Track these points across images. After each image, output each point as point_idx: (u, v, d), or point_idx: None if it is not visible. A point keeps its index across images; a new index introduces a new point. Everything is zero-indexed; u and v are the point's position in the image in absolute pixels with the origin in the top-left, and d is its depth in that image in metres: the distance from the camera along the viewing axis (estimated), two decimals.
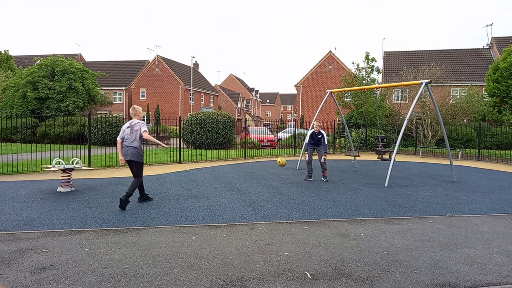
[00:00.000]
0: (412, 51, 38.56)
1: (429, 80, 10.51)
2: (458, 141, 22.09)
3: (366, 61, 22.51)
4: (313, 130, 10.38)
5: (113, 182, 9.12)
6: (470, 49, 37.04)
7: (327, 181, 9.83)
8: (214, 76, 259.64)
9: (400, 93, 28.12)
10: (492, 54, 35.17)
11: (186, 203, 6.90)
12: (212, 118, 19.34)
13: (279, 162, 9.46)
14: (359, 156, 13.71)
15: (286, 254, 4.33)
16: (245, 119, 20.37)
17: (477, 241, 4.96)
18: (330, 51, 40.66)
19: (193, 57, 59.48)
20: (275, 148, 21.96)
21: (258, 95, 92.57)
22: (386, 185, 9.16)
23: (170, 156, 14.95)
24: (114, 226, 5.37)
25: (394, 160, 9.96)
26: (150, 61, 46.97)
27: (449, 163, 11.13)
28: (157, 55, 46.18)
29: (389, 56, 38.35)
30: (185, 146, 19.33)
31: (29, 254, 4.18)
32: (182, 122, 16.51)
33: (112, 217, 5.87)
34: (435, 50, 37.70)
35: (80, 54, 52.25)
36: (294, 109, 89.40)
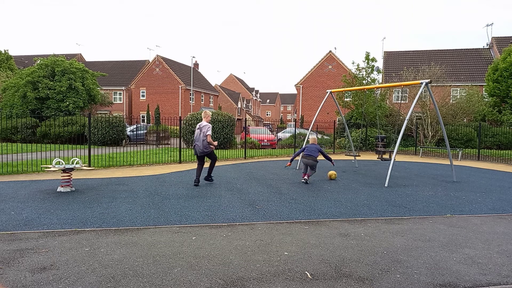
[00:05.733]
0: (412, 51, 38.55)
1: (429, 80, 10.51)
2: (458, 141, 22.09)
3: (366, 61, 22.49)
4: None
5: (113, 182, 9.12)
6: (470, 49, 37.02)
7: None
8: (214, 76, 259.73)
9: (400, 93, 28.12)
10: (492, 54, 35.16)
11: (186, 203, 6.90)
12: (212, 118, 19.34)
13: (330, 176, 10.21)
14: (359, 156, 13.71)
15: (286, 254, 4.33)
16: (245, 119, 20.37)
17: (477, 241, 4.96)
18: (330, 51, 40.66)
19: (193, 57, 59.52)
20: (275, 148, 21.96)
21: (258, 95, 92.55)
22: (386, 185, 9.16)
23: (170, 156, 14.95)
24: (114, 226, 5.37)
25: (394, 160, 9.96)
26: (150, 61, 46.98)
27: (449, 163, 11.13)
28: (157, 55, 46.19)
29: (389, 56, 38.35)
30: (185, 146, 19.33)
31: (29, 254, 4.18)
32: (182, 122, 16.50)
33: (112, 217, 5.87)
34: (435, 50, 37.68)
35: (80, 54, 52.25)
36: (294, 109, 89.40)
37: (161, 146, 20.14)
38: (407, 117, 9.98)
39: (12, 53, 44.41)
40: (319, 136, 23.87)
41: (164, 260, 4.06)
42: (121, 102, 46.53)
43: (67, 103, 24.93)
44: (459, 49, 37.19)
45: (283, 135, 27.21)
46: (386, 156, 11.68)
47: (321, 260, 4.16)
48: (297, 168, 12.45)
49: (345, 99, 23.72)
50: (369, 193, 8.23)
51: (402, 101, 21.61)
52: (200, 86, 50.37)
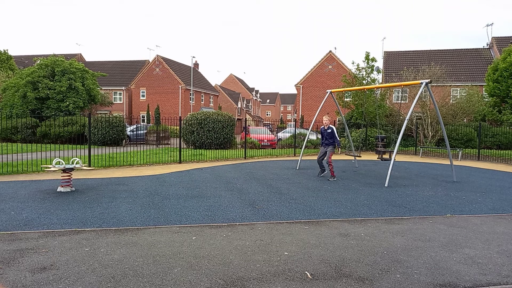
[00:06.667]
0: (412, 51, 38.55)
1: (429, 80, 10.51)
2: (458, 141, 22.09)
3: (366, 61, 22.48)
4: (323, 126, 10.50)
5: (113, 182, 9.12)
6: (470, 49, 37.02)
7: (334, 180, 9.89)
8: (214, 76, 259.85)
9: (400, 93, 28.12)
10: (492, 54, 35.16)
11: (186, 203, 6.90)
12: (212, 118, 19.33)
13: None
14: (360, 156, 13.70)
15: (286, 254, 4.33)
16: (245, 119, 20.37)
17: (477, 241, 4.96)
18: (330, 51, 40.65)
19: (193, 57, 59.57)
20: (275, 148, 21.96)
21: (258, 95, 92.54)
22: (386, 185, 9.15)
23: (170, 156, 14.95)
24: (114, 226, 5.37)
25: (394, 160, 9.96)
26: (150, 61, 46.97)
27: (449, 163, 11.13)
28: (157, 55, 46.18)
29: (389, 56, 38.35)
30: (185, 146, 19.32)
31: (29, 254, 4.18)
32: (182, 122, 16.50)
33: (112, 217, 5.87)
34: (435, 50, 37.69)
35: (80, 54, 52.25)
36: (294, 109, 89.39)
37: (161, 146, 20.14)
38: (407, 117, 9.98)
39: (12, 53, 44.47)
40: (319, 136, 23.86)
41: (164, 260, 4.06)
42: (121, 102, 46.53)
43: (67, 103, 24.93)
44: (459, 49, 37.20)
45: (283, 135, 27.21)
46: (386, 156, 11.67)
47: (321, 260, 4.16)
48: (297, 168, 12.46)
49: (345, 99, 23.71)
50: (369, 193, 8.23)
51: (402, 101, 21.60)
52: (200, 86, 50.37)
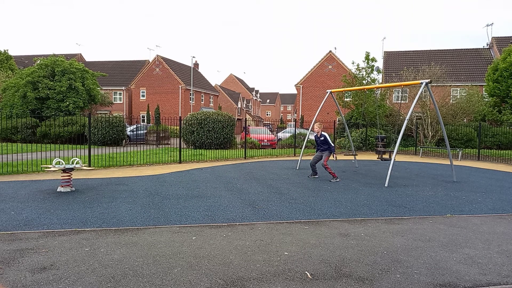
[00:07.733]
0: (412, 51, 38.55)
1: (429, 80, 10.51)
2: (458, 141, 22.08)
3: (366, 61, 22.49)
4: (315, 133, 10.46)
5: (113, 182, 9.12)
6: (470, 49, 37.02)
7: (337, 181, 9.81)
8: (214, 76, 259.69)
9: (400, 93, 28.12)
10: (492, 54, 35.16)
11: (186, 203, 6.90)
12: (212, 118, 19.33)
13: None
14: (357, 155, 13.70)
15: (286, 254, 4.33)
16: (245, 119, 20.37)
17: (477, 241, 4.96)
18: (330, 51, 40.66)
19: (193, 57, 59.63)
20: (275, 148, 21.96)
21: (258, 95, 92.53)
22: (386, 185, 9.15)
23: (170, 156, 14.95)
24: (114, 226, 5.37)
25: (394, 160, 9.96)
26: (150, 61, 46.97)
27: (449, 163, 11.13)
28: (157, 55, 46.17)
29: (389, 56, 38.34)
30: (185, 146, 19.32)
31: (29, 254, 4.18)
32: (182, 122, 16.51)
33: (112, 217, 5.87)
34: (435, 50, 37.69)
35: (80, 54, 52.24)
36: (294, 109, 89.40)
37: (161, 146, 20.14)
38: (407, 117, 9.98)
39: (12, 53, 44.39)
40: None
41: (164, 260, 4.06)
42: (121, 102, 46.53)
43: (67, 103, 24.92)
44: (459, 49, 37.19)
45: (283, 135, 27.20)
46: (386, 156, 11.67)
47: (321, 260, 4.16)
48: (297, 168, 12.46)
49: (345, 99, 23.72)
50: (369, 193, 8.23)
51: (402, 101, 21.61)
52: (200, 86, 50.37)
